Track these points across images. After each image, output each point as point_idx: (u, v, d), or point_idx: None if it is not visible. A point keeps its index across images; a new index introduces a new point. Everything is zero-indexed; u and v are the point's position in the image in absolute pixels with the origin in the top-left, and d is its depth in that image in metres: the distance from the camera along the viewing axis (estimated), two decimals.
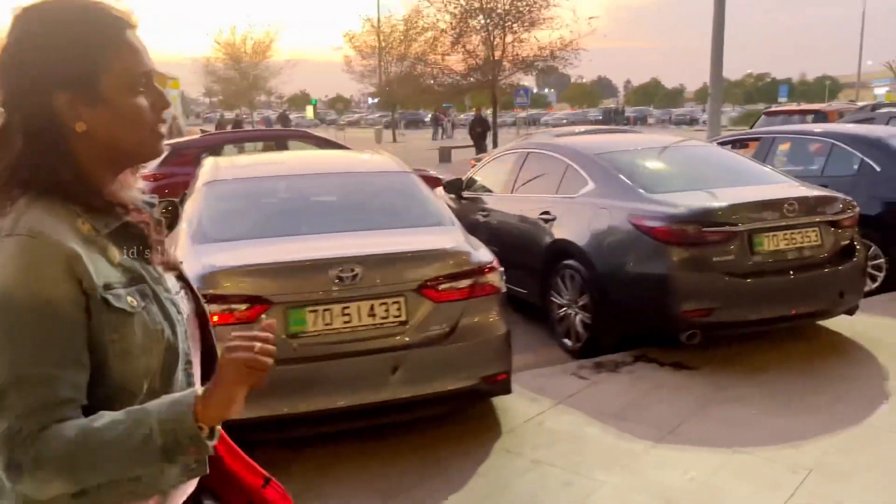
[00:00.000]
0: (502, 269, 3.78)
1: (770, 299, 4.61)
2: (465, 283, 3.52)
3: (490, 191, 6.66)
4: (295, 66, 41.07)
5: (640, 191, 4.93)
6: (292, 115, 69.86)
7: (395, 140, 39.18)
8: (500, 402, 4.07)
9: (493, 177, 6.76)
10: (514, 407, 4.04)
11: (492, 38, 23.27)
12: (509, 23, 23.04)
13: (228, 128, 27.68)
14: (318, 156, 6.71)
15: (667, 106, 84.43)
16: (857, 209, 5.02)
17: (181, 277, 1.31)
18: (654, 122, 60.88)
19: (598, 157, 5.48)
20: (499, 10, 22.79)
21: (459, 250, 3.63)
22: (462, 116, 73.51)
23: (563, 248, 5.28)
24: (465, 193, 6.95)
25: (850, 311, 5.08)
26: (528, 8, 22.76)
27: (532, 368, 4.70)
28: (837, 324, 5.21)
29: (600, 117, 63.63)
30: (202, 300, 1.35)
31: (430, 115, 52.02)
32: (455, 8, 22.97)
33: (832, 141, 6.97)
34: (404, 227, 3.94)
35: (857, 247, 4.97)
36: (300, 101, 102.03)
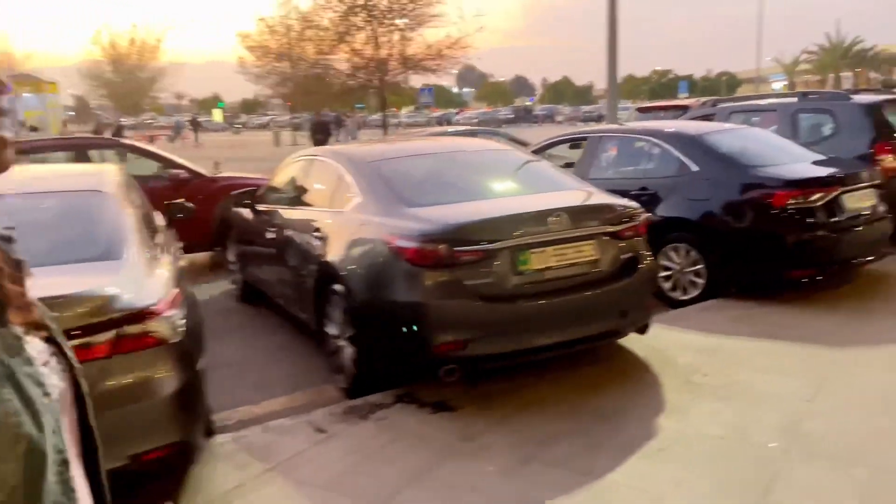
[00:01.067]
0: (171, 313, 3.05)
1: (540, 325, 4.04)
2: None
3: (281, 203, 5.92)
4: (182, 69, 39.21)
5: (402, 204, 4.29)
6: (202, 119, 67.37)
7: (295, 142, 38.02)
8: (201, 469, 3.35)
9: (283, 188, 6.02)
10: (213, 476, 3.32)
11: (376, 36, 22.56)
12: (392, 20, 22.38)
13: (106, 133, 26.02)
14: None
15: (578, 103, 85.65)
16: (644, 216, 4.53)
17: (50, 340, 0.93)
18: (563, 119, 61.44)
19: (370, 166, 4.82)
20: (381, 6, 22.10)
21: None
22: (374, 117, 72.51)
23: (330, 272, 4.60)
24: (259, 206, 6.19)
25: (642, 330, 4.60)
26: (411, 5, 22.18)
27: (292, 414, 4.02)
28: (634, 343, 4.73)
29: (511, 116, 64.04)
30: (78, 367, 0.95)
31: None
32: (338, 5, 22.14)
33: (653, 140, 6.55)
34: None
35: (644, 259, 4.48)
36: (210, 103, 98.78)
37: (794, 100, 7.96)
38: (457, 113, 76.93)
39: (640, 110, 15.07)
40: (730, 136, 6.54)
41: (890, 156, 7.09)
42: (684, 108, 13.94)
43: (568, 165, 7.14)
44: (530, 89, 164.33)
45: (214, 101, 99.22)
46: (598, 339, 4.38)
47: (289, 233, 5.40)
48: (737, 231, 5.78)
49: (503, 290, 3.95)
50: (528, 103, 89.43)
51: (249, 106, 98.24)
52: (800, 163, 6.17)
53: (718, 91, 77.21)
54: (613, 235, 4.31)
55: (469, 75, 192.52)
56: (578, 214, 4.21)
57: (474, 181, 4.84)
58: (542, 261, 4.05)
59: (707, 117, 8.48)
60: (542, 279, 4.06)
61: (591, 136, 7.13)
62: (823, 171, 5.91)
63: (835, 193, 5.65)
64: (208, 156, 19.62)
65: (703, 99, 13.68)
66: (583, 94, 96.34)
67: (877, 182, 6.08)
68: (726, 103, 8.77)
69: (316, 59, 23.27)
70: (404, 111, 79.92)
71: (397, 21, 22.70)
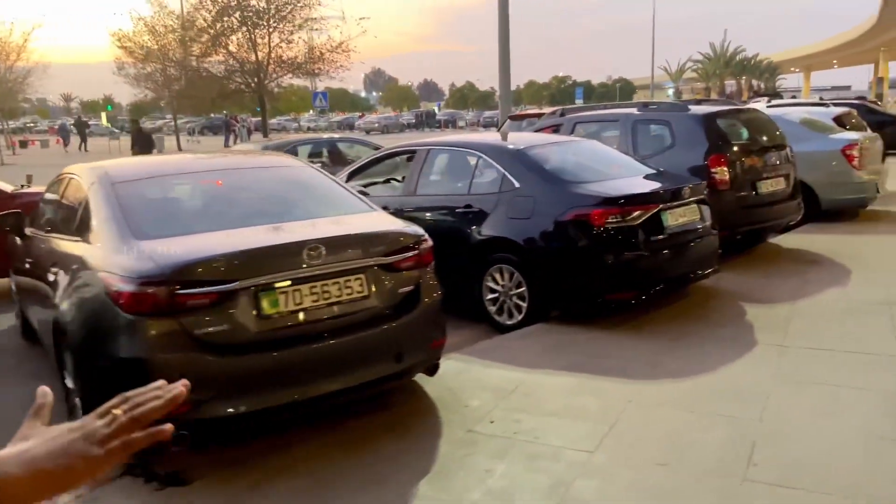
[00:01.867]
0: None
1: (291, 378, 3.47)
2: None
3: (38, 228, 5.10)
4: (66, 70, 36.57)
5: (130, 237, 3.61)
6: (91, 121, 63.23)
7: (179, 148, 36.21)
8: None
9: (45, 209, 5.21)
10: None
11: (252, 38, 21.55)
12: (268, 22, 21.45)
13: None
14: None
15: (482, 108, 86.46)
16: (427, 244, 4.03)
17: None
18: (465, 124, 61.59)
19: (116, 188, 4.10)
20: (254, 7, 21.12)
21: None
22: (275, 121, 70.48)
23: (59, 319, 3.86)
24: (29, 231, 5.35)
25: (430, 371, 4.11)
26: (287, 6, 21.32)
27: None
28: (428, 383, 4.24)
29: (413, 121, 63.67)
30: None
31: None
32: (210, 5, 20.97)
33: (478, 154, 6.13)
34: None
35: (428, 292, 3.98)
36: (100, 106, 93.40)
37: (635, 110, 7.76)
38: (360, 117, 76.03)
39: (512, 118, 14.83)
40: (557, 149, 6.20)
41: (723, 167, 6.96)
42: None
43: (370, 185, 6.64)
44: (440, 94, 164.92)
45: (105, 104, 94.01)
46: (370, 388, 3.83)
47: (37, 265, 4.62)
48: (555, 252, 5.40)
49: (243, 339, 3.35)
50: (434, 108, 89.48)
51: (140, 109, 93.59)
52: (626, 178, 5.88)
53: (614, 97, 79.72)
54: (389, 267, 3.79)
55: (378, 79, 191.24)
56: (343, 245, 3.67)
57: (230, 207, 4.16)
58: (294, 301, 3.47)
59: (555, 128, 8.19)
60: (296, 323, 3.48)
61: (420, 150, 6.63)
62: (645, 187, 5.63)
63: (655, 210, 5.37)
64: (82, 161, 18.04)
65: (554, 108, 13.53)
66: (485, 99, 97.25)
67: (701, 197, 5.86)
68: (574, 113, 8.52)
69: (191, 60, 22.00)
70: (308, 115, 78.30)
71: (274, 23, 21.75)
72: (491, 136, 6.87)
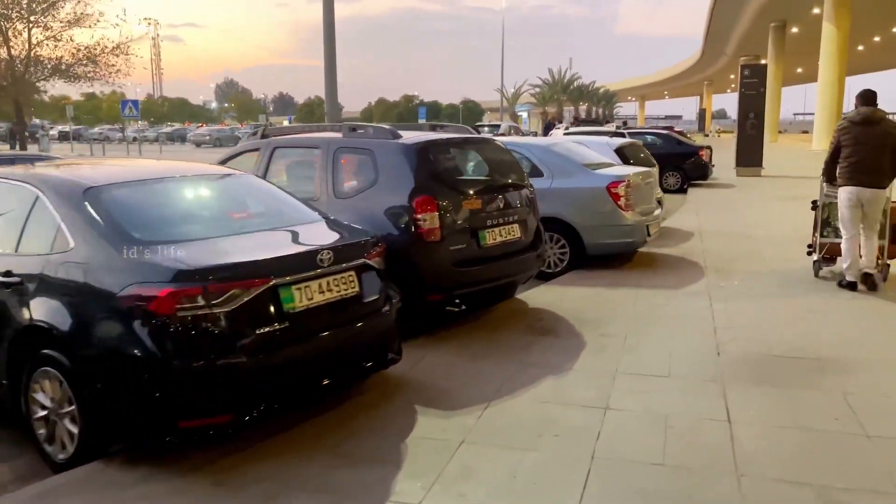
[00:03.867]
0: None
1: None
2: None
3: None
4: None
5: None
6: None
7: None
8: None
9: None
10: None
11: (4, 32, 18.24)
12: (27, 14, 18.25)
13: None
14: None
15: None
16: None
17: None
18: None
19: None
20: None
21: None
22: (97, 130, 64.07)
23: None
24: None
25: None
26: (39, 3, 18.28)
27: None
28: None
29: (251, 132, 60.18)
30: None
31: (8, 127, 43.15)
32: None
33: (35, 191, 4.10)
34: None
35: None
36: None
37: (340, 134, 6.06)
38: (198, 127, 71.43)
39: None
40: (159, 189, 4.30)
41: (432, 213, 5.38)
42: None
43: None
44: (294, 107, 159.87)
45: None
46: None
47: None
48: (110, 353, 3.47)
49: None
50: (284, 121, 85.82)
51: None
52: (251, 235, 4.09)
53: (459, 119, 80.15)
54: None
55: (230, 90, 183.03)
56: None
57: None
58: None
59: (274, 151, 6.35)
60: None
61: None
62: (258, 251, 3.82)
63: (265, 287, 3.58)
64: None
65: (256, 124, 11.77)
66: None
67: (363, 262, 4.17)
68: (278, 134, 6.67)
69: None
70: (140, 124, 72.40)
71: (34, 17, 18.57)
72: (60, 168, 4.78)
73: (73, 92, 72.61)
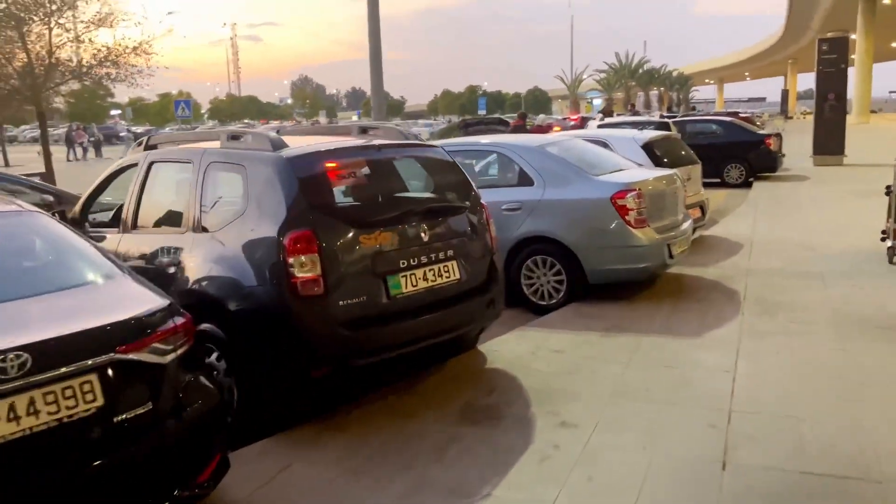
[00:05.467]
0: None
1: None
2: None
3: None
4: None
5: None
6: None
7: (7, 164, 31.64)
8: None
9: None
10: None
11: (22, 34, 17.66)
12: (47, 15, 17.60)
13: None
14: None
15: (390, 117, 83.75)
16: None
17: None
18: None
19: None
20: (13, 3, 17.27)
21: None
22: (141, 129, 64.42)
23: None
24: None
25: None
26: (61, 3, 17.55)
27: None
28: None
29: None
30: None
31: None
32: None
33: None
34: None
35: None
36: None
37: (218, 144, 4.55)
38: (262, 124, 72.27)
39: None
40: None
41: (311, 255, 3.83)
42: None
43: None
44: (366, 102, 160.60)
45: None
46: None
47: None
48: None
49: None
50: (354, 117, 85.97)
51: None
52: None
53: (527, 108, 77.76)
54: None
55: (305, 86, 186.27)
56: None
57: None
58: None
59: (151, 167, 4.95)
60: None
61: None
62: None
63: None
64: None
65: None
66: (396, 109, 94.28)
67: (99, 363, 2.64)
68: (163, 141, 5.20)
69: None
70: (211, 124, 73.89)
71: (56, 18, 17.93)
72: None
73: (149, 94, 74.43)
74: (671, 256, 6.59)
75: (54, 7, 17.59)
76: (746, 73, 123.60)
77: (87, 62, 18.94)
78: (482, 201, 4.83)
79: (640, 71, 69.35)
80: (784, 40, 73.65)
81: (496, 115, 47.37)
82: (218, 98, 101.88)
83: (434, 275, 4.31)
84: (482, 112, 56.21)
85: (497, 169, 7.20)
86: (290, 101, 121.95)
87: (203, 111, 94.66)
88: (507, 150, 6.87)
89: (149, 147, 5.22)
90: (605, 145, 8.88)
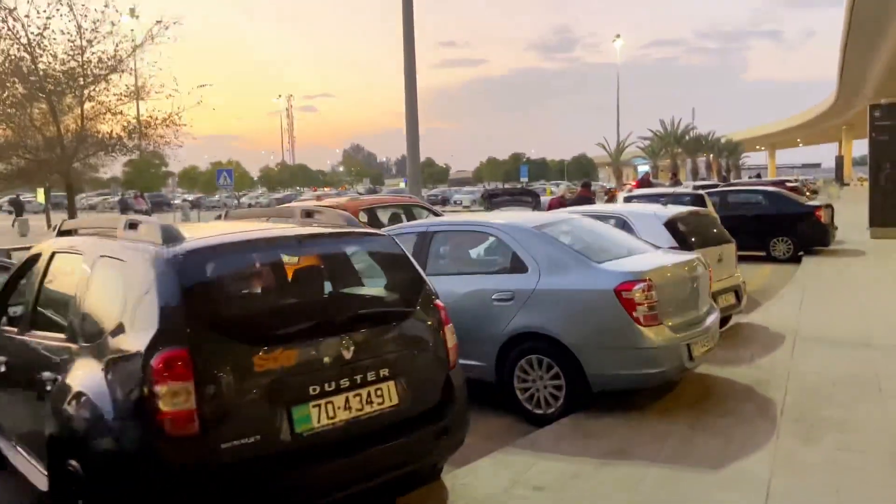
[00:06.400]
0: None
1: None
2: None
3: None
4: None
5: None
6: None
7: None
8: None
9: None
10: None
11: (53, 108, 17.88)
12: (80, 89, 17.85)
13: None
14: None
15: (436, 184, 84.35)
16: None
17: None
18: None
19: None
20: (49, 72, 17.52)
21: None
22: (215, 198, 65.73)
23: None
24: None
25: None
26: (102, 68, 17.79)
27: None
28: None
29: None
30: None
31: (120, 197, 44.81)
32: None
33: None
34: None
35: None
36: None
37: (117, 231, 3.79)
38: (312, 191, 73.48)
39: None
40: None
41: (184, 384, 2.95)
42: None
43: None
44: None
45: None
46: None
47: None
48: None
49: None
50: (401, 184, 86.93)
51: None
52: None
53: (570, 176, 77.29)
54: None
55: (357, 154, 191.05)
56: None
57: None
58: None
59: None
60: None
61: None
62: None
63: None
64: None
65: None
66: (441, 176, 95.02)
67: None
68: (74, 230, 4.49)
69: None
70: (259, 191, 75.65)
71: (87, 91, 18.18)
72: None
73: (202, 162, 76.71)
74: (691, 358, 5.52)
75: (88, 81, 17.81)
76: (799, 140, 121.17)
77: (115, 134, 19.10)
78: (437, 301, 3.90)
79: (687, 137, 68.18)
80: (837, 107, 71.82)
81: (521, 185, 46.71)
82: (268, 166, 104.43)
83: (361, 402, 3.38)
84: (524, 179, 55.76)
85: (488, 252, 6.33)
86: (341, 168, 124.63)
87: (255, 178, 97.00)
88: (499, 231, 5.99)
89: (62, 233, 4.50)
90: (624, 223, 7.96)
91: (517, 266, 5.76)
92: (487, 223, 6.20)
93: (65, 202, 24.29)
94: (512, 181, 72.02)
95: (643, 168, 65.11)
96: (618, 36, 56.35)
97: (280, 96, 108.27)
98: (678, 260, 6.04)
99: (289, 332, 3.25)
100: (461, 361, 5.92)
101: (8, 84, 17.23)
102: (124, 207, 42.63)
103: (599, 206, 9.74)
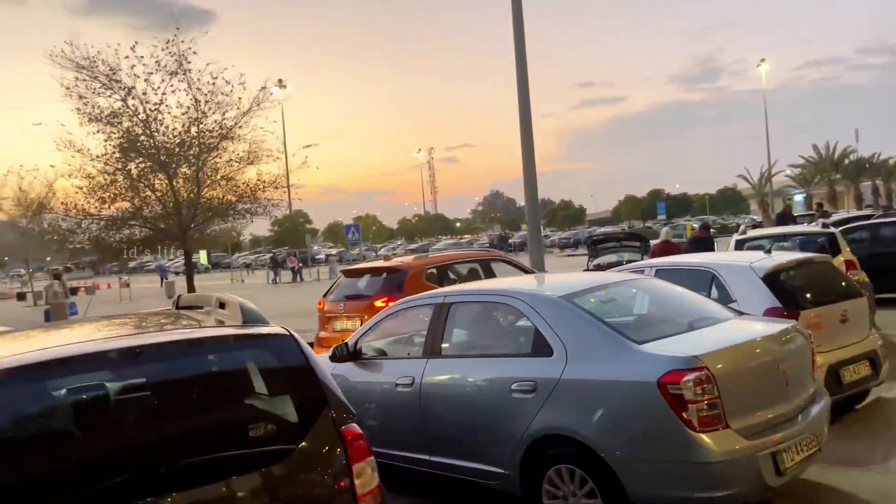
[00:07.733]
0: None
1: None
2: None
3: None
4: None
5: None
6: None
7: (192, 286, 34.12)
8: None
9: None
10: None
11: (171, 179, 18.73)
12: (198, 158, 18.65)
13: None
14: None
15: (571, 225, 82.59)
16: None
17: None
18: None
19: None
20: (162, 144, 18.40)
21: None
22: (326, 254, 65.90)
23: None
24: None
25: None
26: (203, 143, 18.47)
27: None
28: None
29: (486, 244, 60.14)
30: None
31: (271, 257, 46.85)
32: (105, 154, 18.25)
33: None
34: None
35: None
36: None
37: None
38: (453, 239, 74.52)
39: (347, 273, 10.40)
40: None
41: None
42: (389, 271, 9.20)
43: None
44: (552, 211, 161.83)
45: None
46: None
47: None
48: None
49: None
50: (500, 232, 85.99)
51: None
52: None
53: (712, 210, 72.45)
54: None
55: (497, 200, 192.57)
56: None
57: None
58: None
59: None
60: None
61: None
62: None
63: None
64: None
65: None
66: (577, 217, 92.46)
67: None
68: None
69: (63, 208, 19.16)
70: (398, 243, 77.65)
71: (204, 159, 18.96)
72: None
73: (349, 217, 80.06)
74: (779, 473, 4.03)
75: (203, 150, 18.52)
76: None
77: (227, 199, 19.67)
78: (348, 427, 2.84)
79: (846, 161, 61.62)
80: None
81: (628, 229, 43.41)
82: (405, 218, 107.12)
83: None
84: (661, 217, 52.74)
85: (508, 329, 5.17)
86: (476, 215, 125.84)
87: (393, 229, 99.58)
88: (520, 302, 4.82)
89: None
90: (713, 278, 6.50)
91: (540, 347, 4.57)
92: (508, 291, 5.06)
93: (223, 261, 25.36)
94: (649, 219, 68.54)
95: (798, 198, 59.47)
96: (762, 60, 52.30)
97: (420, 150, 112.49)
98: (760, 333, 4.57)
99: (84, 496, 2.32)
100: (477, 466, 4.81)
101: (130, 160, 18.26)
102: (275, 265, 44.69)
103: (682, 258, 8.16)
